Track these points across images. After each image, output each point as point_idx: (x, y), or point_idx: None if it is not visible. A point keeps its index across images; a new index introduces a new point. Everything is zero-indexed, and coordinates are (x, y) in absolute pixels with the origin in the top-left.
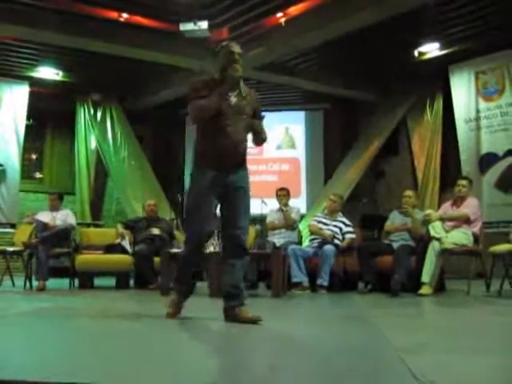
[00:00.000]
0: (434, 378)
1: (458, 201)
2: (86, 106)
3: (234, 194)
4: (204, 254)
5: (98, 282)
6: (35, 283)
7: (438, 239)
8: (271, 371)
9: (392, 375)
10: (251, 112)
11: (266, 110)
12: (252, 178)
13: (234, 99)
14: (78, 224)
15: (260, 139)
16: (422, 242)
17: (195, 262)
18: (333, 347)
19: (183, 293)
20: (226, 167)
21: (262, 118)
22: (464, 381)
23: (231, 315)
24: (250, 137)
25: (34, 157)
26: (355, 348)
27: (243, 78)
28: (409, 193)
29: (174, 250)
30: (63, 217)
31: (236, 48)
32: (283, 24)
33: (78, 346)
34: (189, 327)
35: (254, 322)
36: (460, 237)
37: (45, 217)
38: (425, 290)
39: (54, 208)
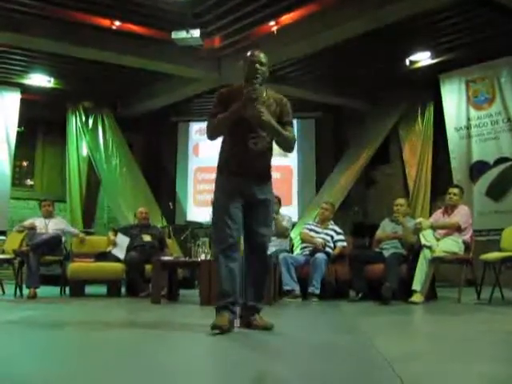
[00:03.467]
0: None
1: (449, 209)
2: (77, 114)
3: (259, 205)
4: (236, 259)
5: (89, 289)
6: (26, 291)
7: (429, 247)
8: (259, 380)
9: (381, 383)
10: (274, 121)
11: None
12: None
13: (255, 110)
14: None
15: (283, 147)
16: (413, 250)
17: (230, 267)
18: (323, 355)
19: (228, 308)
20: (247, 177)
21: (286, 123)
22: None
23: (245, 322)
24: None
25: (25, 164)
26: (345, 356)
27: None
28: (400, 201)
29: (166, 258)
30: (56, 225)
31: (257, 55)
32: (275, 33)
33: (66, 355)
34: (178, 336)
35: (266, 328)
36: (451, 245)
37: (37, 223)
38: (416, 297)
39: (48, 215)
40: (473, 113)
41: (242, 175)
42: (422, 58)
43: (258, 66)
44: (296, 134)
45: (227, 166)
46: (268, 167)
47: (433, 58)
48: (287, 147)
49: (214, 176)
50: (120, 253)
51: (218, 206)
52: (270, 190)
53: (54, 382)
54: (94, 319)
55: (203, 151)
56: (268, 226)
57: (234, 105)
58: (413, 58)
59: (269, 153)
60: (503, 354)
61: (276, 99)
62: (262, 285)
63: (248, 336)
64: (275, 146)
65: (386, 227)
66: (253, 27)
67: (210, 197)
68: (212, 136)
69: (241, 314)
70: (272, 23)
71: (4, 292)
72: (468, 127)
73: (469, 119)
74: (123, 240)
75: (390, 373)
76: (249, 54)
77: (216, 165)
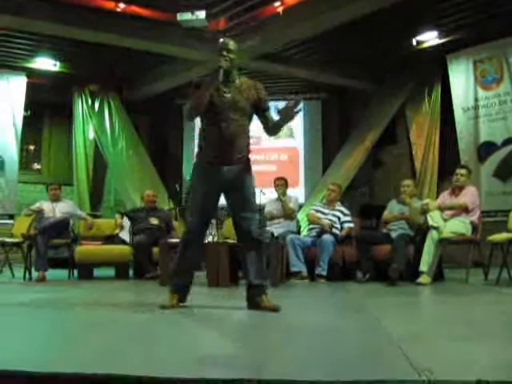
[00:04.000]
0: (431, 366)
1: (457, 190)
2: (83, 97)
3: (237, 188)
4: (200, 248)
5: (97, 272)
6: (35, 274)
7: (437, 228)
8: (269, 359)
9: (389, 363)
10: (249, 107)
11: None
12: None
13: (228, 94)
14: None
15: (275, 131)
16: (421, 231)
17: (192, 253)
18: (329, 335)
19: (180, 288)
20: (224, 162)
21: (267, 108)
22: (460, 368)
23: (253, 303)
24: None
25: (32, 148)
26: (352, 337)
27: (241, 72)
28: (407, 182)
29: (173, 240)
30: (63, 208)
31: (225, 42)
32: (280, 13)
33: (75, 335)
34: (186, 317)
35: (274, 310)
36: (458, 226)
37: (45, 207)
38: (423, 279)
39: (55, 198)
40: (480, 93)
41: (218, 161)
42: (429, 38)
43: (224, 52)
44: (302, 114)
45: (204, 154)
46: (244, 150)
47: (440, 38)
48: (276, 133)
49: None
50: (126, 236)
51: (193, 194)
52: (247, 174)
53: (65, 360)
54: (103, 301)
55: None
56: (250, 208)
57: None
58: (419, 38)
59: (244, 136)
60: (510, 334)
61: (250, 85)
62: (260, 263)
63: (256, 317)
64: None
65: (393, 208)
66: (258, 8)
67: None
68: (190, 117)
69: (248, 296)
70: (277, 4)
71: (14, 275)
72: (476, 107)
73: (476, 99)
74: (128, 224)
75: (398, 352)
76: (219, 41)
77: None
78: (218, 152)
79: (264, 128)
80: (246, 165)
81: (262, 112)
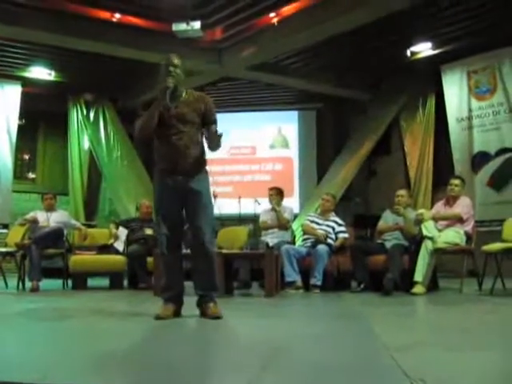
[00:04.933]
0: (424, 376)
1: (451, 200)
2: (78, 106)
3: (192, 197)
4: (181, 256)
5: (91, 282)
6: (28, 284)
7: (431, 238)
8: (262, 371)
9: (382, 372)
10: (197, 118)
11: (258, 110)
12: (245, 178)
13: (174, 109)
14: None
15: (212, 146)
16: (415, 241)
17: (174, 263)
18: (324, 345)
19: (173, 298)
20: (179, 173)
21: (213, 121)
22: (454, 378)
23: (201, 311)
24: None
25: (26, 157)
26: (346, 346)
27: (234, 82)
28: (401, 192)
29: None
30: (58, 218)
31: (172, 59)
32: (276, 24)
33: (68, 346)
34: (182, 326)
35: (217, 318)
36: (452, 236)
37: (39, 217)
38: (417, 289)
39: (49, 208)
40: (474, 103)
41: (173, 172)
42: (424, 49)
43: (171, 68)
44: (297, 124)
45: (159, 166)
46: (198, 160)
47: (434, 49)
48: (217, 146)
49: (214, 168)
50: (120, 246)
51: (157, 204)
52: (203, 183)
53: (58, 372)
54: (97, 311)
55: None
56: (204, 219)
57: (147, 111)
58: (414, 48)
59: (196, 146)
60: (505, 344)
61: (198, 97)
62: (208, 275)
63: (250, 327)
64: None
65: (387, 218)
66: (254, 19)
67: (211, 189)
68: (140, 136)
69: (196, 303)
70: (272, 14)
71: (7, 285)
72: (469, 118)
73: (470, 110)
74: (124, 233)
75: (392, 362)
76: (165, 58)
77: (213, 157)
78: (172, 164)
79: (207, 143)
80: (202, 176)
81: (206, 125)
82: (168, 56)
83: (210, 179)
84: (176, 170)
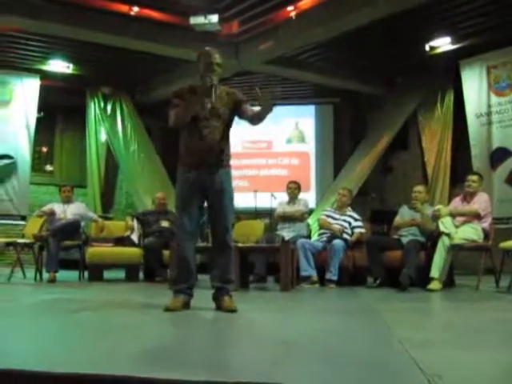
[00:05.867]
0: (441, 372)
1: (468, 196)
2: (96, 99)
3: (214, 194)
4: (194, 251)
5: (107, 274)
6: (46, 275)
7: (448, 234)
8: (274, 364)
9: (398, 368)
10: (228, 113)
11: (275, 104)
12: (261, 172)
13: (209, 104)
14: None
15: (260, 118)
16: (432, 237)
17: (188, 255)
18: (339, 340)
19: (183, 291)
20: (204, 167)
21: (244, 101)
22: (471, 375)
23: (217, 304)
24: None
25: (44, 150)
26: (361, 341)
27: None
28: (419, 188)
29: None
30: (75, 210)
31: (215, 57)
32: (293, 18)
33: (83, 337)
34: (196, 320)
35: (232, 311)
36: (470, 232)
37: (56, 209)
38: (434, 285)
39: (67, 200)
40: (494, 99)
41: (199, 166)
42: (442, 44)
43: (215, 67)
44: (314, 119)
45: (185, 159)
46: (223, 156)
47: (453, 44)
48: (259, 122)
49: (231, 162)
50: (136, 238)
51: (179, 199)
52: (226, 179)
53: (72, 361)
54: (112, 303)
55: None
56: (225, 215)
57: (188, 104)
58: (433, 43)
59: (223, 142)
60: None
61: (229, 92)
62: (226, 268)
63: (265, 320)
64: None
65: (404, 214)
66: (271, 12)
67: (233, 185)
68: (174, 126)
69: (213, 297)
70: (290, 8)
71: (25, 276)
72: (489, 114)
73: (489, 106)
74: (138, 226)
75: (407, 358)
76: (205, 50)
77: (232, 151)
78: (199, 158)
79: (246, 119)
80: (227, 171)
81: (241, 107)
82: (208, 51)
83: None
84: (202, 163)
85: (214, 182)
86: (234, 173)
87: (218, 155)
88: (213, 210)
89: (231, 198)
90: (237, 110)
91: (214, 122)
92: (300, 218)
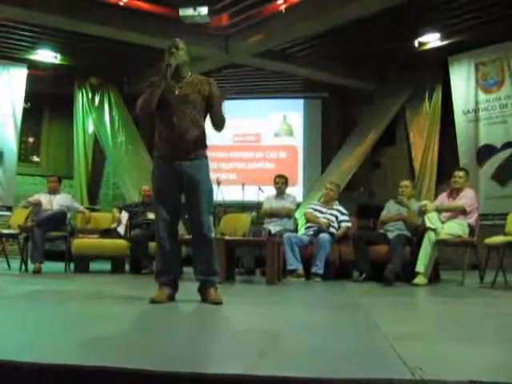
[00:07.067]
0: (424, 365)
1: (455, 192)
2: (84, 90)
3: (187, 186)
4: (177, 240)
5: (93, 266)
6: (31, 266)
7: (434, 230)
8: (261, 357)
9: (382, 361)
10: (200, 100)
11: (264, 98)
12: (249, 166)
13: (178, 89)
14: None
15: (218, 125)
16: (418, 232)
17: (170, 247)
18: (324, 333)
19: (168, 283)
20: (177, 156)
21: (218, 103)
22: (453, 368)
23: (202, 296)
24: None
25: (31, 140)
26: (346, 334)
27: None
28: (405, 183)
29: None
30: (61, 201)
31: (174, 41)
32: (283, 11)
33: (69, 328)
34: (181, 311)
35: (217, 303)
36: (456, 228)
37: (42, 199)
38: (419, 279)
39: (53, 191)
40: (481, 96)
41: (171, 155)
42: (432, 40)
43: (173, 50)
44: (302, 113)
45: (158, 148)
46: (198, 143)
47: (442, 40)
48: (222, 126)
49: (218, 154)
50: (123, 230)
51: (155, 189)
52: (201, 169)
53: (60, 352)
54: (98, 294)
55: (208, 129)
56: (201, 206)
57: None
58: (422, 39)
59: (197, 129)
60: (504, 337)
61: (203, 80)
62: (208, 261)
63: (250, 313)
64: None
65: (390, 209)
66: (261, 6)
67: (214, 176)
68: (141, 113)
69: (198, 289)
70: (280, 1)
71: (10, 267)
72: (476, 110)
73: (477, 102)
74: (125, 217)
75: (391, 351)
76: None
77: (218, 144)
78: (171, 147)
79: (211, 124)
80: (200, 161)
81: (211, 107)
82: (173, 39)
83: (215, 166)
84: (175, 152)
85: (186, 172)
86: (222, 165)
87: (190, 144)
88: (187, 202)
89: (207, 190)
90: (208, 102)
91: (184, 108)
92: (287, 214)
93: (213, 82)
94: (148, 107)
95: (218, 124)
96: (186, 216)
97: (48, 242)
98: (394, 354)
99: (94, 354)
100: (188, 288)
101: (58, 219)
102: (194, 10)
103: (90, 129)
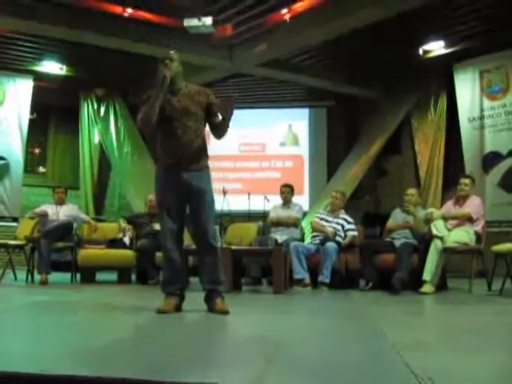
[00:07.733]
0: (433, 375)
1: (461, 199)
2: (89, 101)
3: (191, 196)
4: (182, 251)
5: (99, 276)
6: (37, 277)
7: (440, 238)
8: (267, 365)
9: (390, 370)
10: (200, 111)
11: (269, 107)
12: (255, 175)
13: (177, 102)
14: None
15: (220, 133)
16: (424, 240)
17: (175, 257)
18: (332, 343)
19: (174, 293)
20: (181, 167)
21: (215, 113)
22: (463, 379)
23: (209, 306)
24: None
25: (37, 151)
26: (353, 343)
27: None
28: (411, 191)
29: None
30: (67, 211)
31: (168, 53)
32: (288, 21)
33: (75, 338)
34: (188, 321)
35: (224, 313)
36: (462, 235)
37: (49, 210)
38: (426, 288)
39: (60, 202)
40: (486, 103)
41: (175, 166)
42: (436, 48)
43: (167, 61)
44: (308, 122)
45: (161, 160)
46: (201, 154)
47: (446, 48)
48: (224, 134)
49: (224, 164)
50: (128, 241)
51: (158, 199)
52: (204, 179)
53: (66, 363)
54: (105, 304)
55: (214, 140)
56: (205, 215)
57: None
58: (426, 47)
59: (199, 141)
60: None
61: (200, 90)
62: (214, 270)
63: (257, 322)
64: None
65: (396, 217)
66: (265, 15)
67: (219, 185)
68: (142, 127)
69: (204, 299)
70: (285, 11)
71: (16, 278)
72: (481, 118)
73: (482, 110)
74: (130, 228)
75: (399, 361)
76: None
77: (223, 154)
78: (176, 159)
79: (211, 131)
80: (205, 171)
81: (211, 117)
82: (165, 51)
83: (221, 175)
84: (179, 164)
85: (193, 184)
86: (228, 175)
87: (193, 155)
88: (191, 212)
89: (211, 199)
90: (208, 115)
91: (187, 120)
92: (294, 224)
93: (209, 92)
94: (148, 121)
95: (222, 132)
96: (191, 226)
97: (54, 252)
98: (402, 364)
99: (100, 365)
100: (195, 298)
101: (64, 230)
102: (199, 20)
103: (96, 139)
